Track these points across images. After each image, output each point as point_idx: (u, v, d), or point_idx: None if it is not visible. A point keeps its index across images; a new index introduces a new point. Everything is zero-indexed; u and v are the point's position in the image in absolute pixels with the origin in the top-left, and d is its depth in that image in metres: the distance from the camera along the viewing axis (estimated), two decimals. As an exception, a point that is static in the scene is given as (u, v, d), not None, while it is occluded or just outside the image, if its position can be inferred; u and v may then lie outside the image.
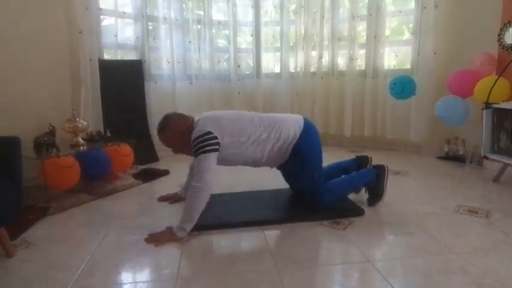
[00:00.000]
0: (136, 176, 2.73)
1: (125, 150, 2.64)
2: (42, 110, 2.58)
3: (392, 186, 2.45)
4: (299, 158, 1.95)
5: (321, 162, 2.04)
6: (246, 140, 1.89)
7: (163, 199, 2.28)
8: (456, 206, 2.07)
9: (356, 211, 1.99)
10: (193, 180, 1.76)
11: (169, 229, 1.75)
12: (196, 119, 1.93)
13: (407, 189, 2.45)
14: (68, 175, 2.25)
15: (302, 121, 2.02)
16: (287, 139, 1.93)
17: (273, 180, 2.24)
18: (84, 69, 2.78)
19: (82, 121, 2.57)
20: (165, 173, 2.85)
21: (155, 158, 3.25)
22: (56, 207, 2.12)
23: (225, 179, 2.74)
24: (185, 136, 1.86)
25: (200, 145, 1.76)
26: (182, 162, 3.22)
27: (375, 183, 2.12)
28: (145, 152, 3.10)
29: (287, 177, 2.15)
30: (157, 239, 1.71)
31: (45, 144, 2.33)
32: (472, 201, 2.13)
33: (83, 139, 2.60)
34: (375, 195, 2.11)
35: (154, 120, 3.31)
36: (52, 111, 2.61)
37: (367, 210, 2.00)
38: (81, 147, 2.53)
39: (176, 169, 2.95)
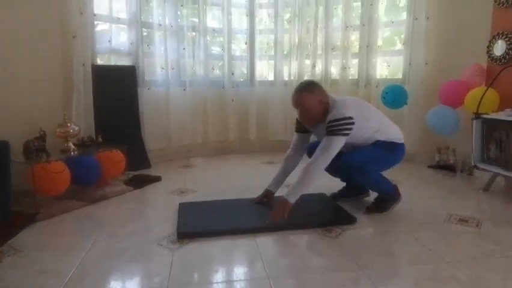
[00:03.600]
0: (128, 182, 2.70)
1: (116, 156, 2.61)
2: (33, 114, 2.55)
3: (384, 195, 2.47)
4: (378, 146, 2.02)
5: (383, 168, 2.12)
6: (367, 129, 1.98)
7: (259, 201, 2.22)
8: (447, 215, 2.08)
9: (348, 219, 1.99)
10: (318, 153, 1.86)
11: (280, 199, 1.88)
12: (331, 99, 1.97)
13: (398, 197, 2.46)
14: (58, 181, 2.22)
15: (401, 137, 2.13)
16: (389, 138, 2.04)
17: (263, 187, 2.24)
18: (77, 74, 2.76)
19: (73, 126, 2.54)
20: (157, 179, 2.83)
21: (147, 165, 3.23)
22: (45, 213, 2.08)
23: (215, 185, 2.73)
24: (319, 108, 1.93)
25: (339, 127, 1.85)
26: (174, 168, 3.21)
27: (387, 197, 2.14)
28: (137, 158, 3.08)
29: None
30: (280, 215, 1.85)
31: (35, 149, 2.30)
32: (463, 211, 2.15)
33: (74, 144, 2.57)
34: (379, 208, 2.12)
35: (146, 126, 3.30)
36: (43, 115, 2.58)
37: (359, 219, 2.00)
38: (72, 153, 2.50)
39: (168, 176, 2.94)
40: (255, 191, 2.45)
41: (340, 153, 1.94)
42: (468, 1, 2.96)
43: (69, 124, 2.52)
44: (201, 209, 2.17)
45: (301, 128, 2.17)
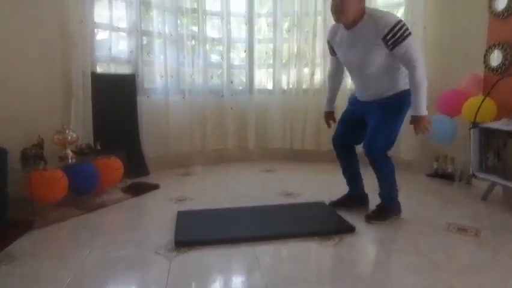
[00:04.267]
0: (125, 190, 2.69)
1: (115, 164, 2.60)
2: (32, 121, 2.55)
3: (383, 203, 2.47)
4: (395, 109, 2.02)
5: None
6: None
7: (327, 120, 2.42)
8: (446, 224, 2.08)
9: (346, 227, 1.99)
10: (412, 67, 1.84)
11: (416, 118, 1.90)
12: (368, 8, 1.93)
13: (397, 206, 2.45)
14: (56, 188, 2.21)
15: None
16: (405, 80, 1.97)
17: (261, 195, 2.24)
18: (76, 82, 2.76)
19: (71, 133, 2.54)
20: (155, 187, 2.82)
21: (145, 172, 3.22)
22: (41, 221, 2.06)
23: (214, 194, 2.73)
24: (356, 3, 1.85)
25: (403, 28, 1.80)
26: (173, 176, 3.20)
27: (389, 207, 2.14)
28: (136, 166, 3.07)
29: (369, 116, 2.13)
30: (426, 130, 1.90)
31: (32, 156, 2.29)
32: (462, 220, 2.15)
33: (72, 152, 2.56)
34: (379, 216, 2.11)
35: (145, 134, 3.30)
36: (42, 122, 2.57)
37: (358, 227, 1.99)
38: (70, 160, 2.49)
39: (167, 184, 2.93)
40: (254, 200, 2.45)
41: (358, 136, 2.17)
42: (464, 11, 2.99)
43: (67, 131, 2.52)
44: (199, 217, 2.17)
45: (334, 52, 2.19)
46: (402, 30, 1.80)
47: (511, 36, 2.59)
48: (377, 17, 1.86)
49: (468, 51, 2.96)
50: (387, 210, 2.15)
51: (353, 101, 2.28)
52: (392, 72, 1.98)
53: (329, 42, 2.20)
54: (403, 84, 2.00)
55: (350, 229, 1.97)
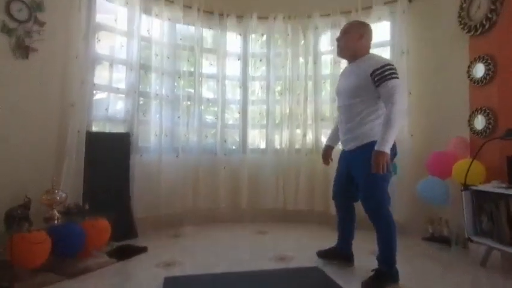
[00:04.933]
0: (111, 253, 2.57)
1: (102, 225, 2.51)
2: (21, 181, 2.51)
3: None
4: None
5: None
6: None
7: (324, 157, 2.61)
8: (445, 293, 1.99)
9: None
10: (390, 104, 1.97)
11: (376, 152, 1.95)
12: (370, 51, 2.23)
13: (394, 272, 2.36)
14: (38, 252, 2.10)
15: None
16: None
17: (253, 260, 2.15)
18: (71, 141, 2.78)
19: (60, 193, 2.49)
20: (143, 250, 2.71)
21: (134, 234, 3.10)
22: (19, 287, 1.93)
23: (204, 257, 2.61)
24: (355, 41, 2.18)
25: (392, 71, 2.02)
26: (162, 238, 3.09)
27: (386, 272, 2.08)
28: (124, 228, 2.97)
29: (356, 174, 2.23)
30: (382, 167, 1.93)
31: (17, 217, 2.22)
32: None
33: (59, 212, 2.49)
34: (376, 283, 2.03)
35: (136, 193, 3.24)
36: (32, 181, 2.54)
37: (354, 296, 1.90)
38: (55, 221, 2.41)
39: (155, 246, 2.82)
40: (245, 264, 2.35)
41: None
42: (446, 77, 3.16)
43: (56, 191, 2.47)
44: (188, 284, 2.05)
45: None
46: (389, 71, 2.02)
47: (492, 102, 2.72)
48: (374, 58, 2.16)
49: (453, 114, 3.08)
50: (384, 276, 2.06)
51: (340, 159, 2.44)
52: (372, 114, 2.13)
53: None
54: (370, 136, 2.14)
55: (346, 298, 1.87)
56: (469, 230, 2.49)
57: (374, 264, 2.12)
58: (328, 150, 2.64)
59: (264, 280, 2.14)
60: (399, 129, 3.27)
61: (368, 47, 2.23)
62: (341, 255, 2.41)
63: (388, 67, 2.03)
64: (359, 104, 2.13)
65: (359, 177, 2.19)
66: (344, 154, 2.34)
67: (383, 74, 2.01)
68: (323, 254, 2.48)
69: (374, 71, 2.04)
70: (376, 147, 1.97)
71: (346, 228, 2.43)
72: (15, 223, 2.19)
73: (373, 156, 1.97)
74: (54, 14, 2.76)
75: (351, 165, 2.25)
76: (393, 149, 2.12)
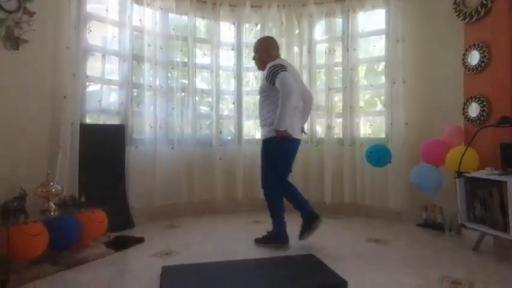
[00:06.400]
0: (109, 244, 2.58)
1: (98, 217, 2.51)
2: (16, 173, 2.50)
3: (374, 256, 2.42)
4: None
5: (281, 167, 2.63)
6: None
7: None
8: (439, 277, 2.03)
9: (338, 282, 1.91)
10: (282, 92, 2.41)
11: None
12: (277, 59, 2.68)
13: (388, 258, 2.39)
14: (35, 243, 2.10)
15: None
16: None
17: (249, 249, 2.17)
18: (64, 133, 2.76)
19: (56, 185, 2.48)
20: (140, 240, 2.72)
21: (130, 225, 3.11)
22: (16, 279, 1.94)
23: (201, 247, 2.63)
24: (263, 54, 2.71)
25: (276, 69, 2.50)
26: (158, 228, 3.10)
27: (275, 234, 2.59)
28: (120, 218, 2.98)
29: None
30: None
31: (13, 209, 2.21)
32: (455, 272, 2.10)
33: (55, 204, 2.48)
34: (268, 240, 2.59)
35: (132, 184, 3.24)
36: (27, 174, 2.53)
37: (350, 282, 1.92)
38: (52, 213, 2.40)
39: (152, 236, 2.83)
40: (241, 253, 2.37)
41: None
42: (441, 66, 3.17)
43: (52, 183, 2.46)
44: (184, 273, 2.07)
45: None
46: (274, 70, 2.50)
47: (486, 90, 2.74)
48: (269, 64, 2.59)
49: (448, 102, 3.10)
50: (274, 237, 2.60)
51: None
52: (270, 108, 2.57)
53: None
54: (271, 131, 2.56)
55: (341, 284, 1.90)
56: (463, 216, 2.52)
57: (369, 250, 2.14)
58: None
59: (261, 268, 2.16)
60: (395, 117, 3.33)
61: (274, 55, 2.72)
62: (312, 217, 2.61)
63: (272, 68, 2.51)
64: (264, 98, 2.65)
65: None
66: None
67: (270, 73, 2.51)
68: (302, 234, 2.62)
69: (266, 73, 2.56)
70: (274, 126, 2.48)
71: (298, 199, 2.69)
72: (11, 215, 2.18)
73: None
74: (44, 4, 2.70)
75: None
76: (285, 143, 2.56)
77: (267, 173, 2.64)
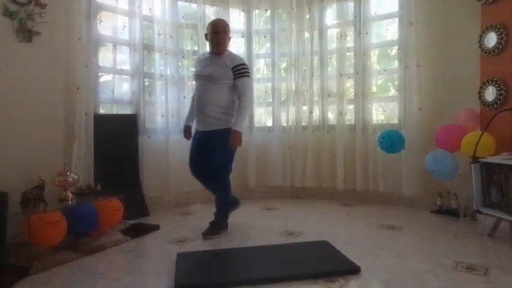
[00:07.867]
0: (125, 231, 2.65)
1: (114, 205, 2.58)
2: (33, 163, 2.56)
3: (387, 242, 2.42)
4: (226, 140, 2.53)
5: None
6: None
7: (186, 136, 2.90)
8: (453, 263, 2.02)
9: (352, 268, 1.93)
10: (242, 96, 2.55)
11: (233, 132, 2.49)
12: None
13: (402, 245, 2.39)
14: (54, 231, 2.17)
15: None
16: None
17: (262, 235, 2.20)
18: (79, 124, 2.81)
19: (72, 175, 2.54)
20: (155, 228, 2.78)
21: (145, 213, 3.18)
22: (38, 266, 2.01)
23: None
24: (227, 43, 2.67)
25: (245, 70, 2.58)
26: (173, 216, 3.16)
27: (220, 222, 2.66)
28: (136, 207, 3.04)
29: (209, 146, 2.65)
30: (236, 144, 2.51)
31: (33, 198, 2.28)
32: (469, 258, 2.09)
33: (72, 193, 2.55)
34: (215, 229, 2.60)
35: (146, 173, 3.29)
36: (43, 164, 2.58)
37: (363, 268, 1.94)
38: (69, 202, 2.47)
39: (166, 224, 2.89)
40: (255, 240, 2.40)
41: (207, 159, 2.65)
42: (456, 48, 3.09)
43: (68, 173, 2.52)
44: (199, 259, 2.11)
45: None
46: (245, 70, 2.58)
47: (504, 72, 2.66)
48: (236, 55, 2.68)
49: (463, 86, 3.02)
50: (219, 225, 2.63)
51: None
52: (226, 100, 2.59)
53: (195, 67, 2.81)
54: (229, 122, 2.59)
55: (355, 270, 1.92)
56: (478, 202, 2.49)
57: (383, 236, 2.14)
58: (187, 129, 3.00)
59: (274, 254, 2.19)
60: (408, 102, 3.27)
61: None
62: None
63: (245, 66, 2.60)
64: (218, 85, 2.58)
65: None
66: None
67: (240, 70, 2.55)
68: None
69: (237, 66, 2.55)
70: (233, 127, 2.52)
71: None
72: (31, 204, 2.25)
73: (232, 135, 2.52)
74: (54, -5, 2.72)
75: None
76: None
77: (228, 162, 2.69)
